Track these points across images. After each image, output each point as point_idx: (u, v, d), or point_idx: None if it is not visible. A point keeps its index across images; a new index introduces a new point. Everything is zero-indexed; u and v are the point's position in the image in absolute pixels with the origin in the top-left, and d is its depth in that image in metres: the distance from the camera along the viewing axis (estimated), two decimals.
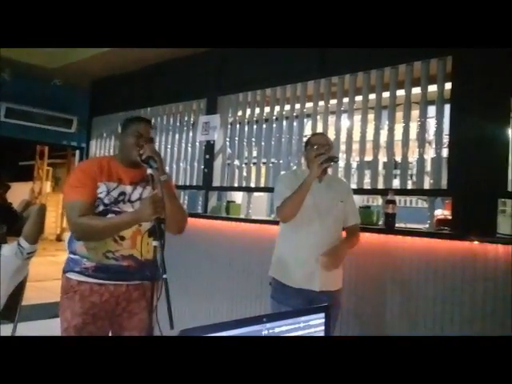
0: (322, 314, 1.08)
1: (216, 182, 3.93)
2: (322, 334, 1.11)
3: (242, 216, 3.66)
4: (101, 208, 1.84)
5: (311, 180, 2.22)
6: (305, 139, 3.69)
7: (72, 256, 1.92)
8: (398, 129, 2.91)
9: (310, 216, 2.29)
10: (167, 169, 4.01)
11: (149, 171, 1.75)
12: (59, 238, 13.29)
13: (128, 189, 1.90)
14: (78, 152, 5.73)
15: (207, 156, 3.96)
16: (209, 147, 3.95)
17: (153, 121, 4.42)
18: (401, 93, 2.93)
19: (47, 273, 7.48)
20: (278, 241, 2.44)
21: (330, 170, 2.55)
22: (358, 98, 3.13)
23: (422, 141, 2.82)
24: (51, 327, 2.09)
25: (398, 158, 2.98)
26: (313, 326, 1.08)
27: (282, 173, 3.35)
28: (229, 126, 3.92)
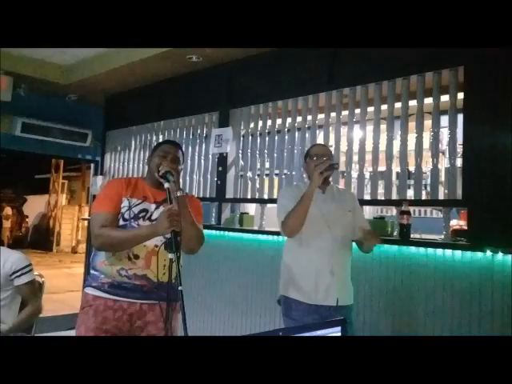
0: (339, 328, 1.07)
1: (229, 194, 3.94)
2: None
3: (256, 227, 3.66)
4: (121, 222, 1.89)
5: (312, 189, 2.14)
6: None
7: (92, 272, 1.96)
8: (411, 139, 2.90)
9: (319, 228, 2.21)
10: (181, 181, 4.04)
11: (166, 185, 1.77)
12: (74, 251, 13.45)
13: (151, 207, 1.94)
14: (92, 165, 5.81)
15: (220, 168, 3.98)
16: (222, 159, 3.97)
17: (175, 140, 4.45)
18: (413, 103, 2.92)
19: (63, 285, 7.56)
20: (287, 257, 2.33)
21: (332, 180, 2.46)
22: (370, 109, 3.13)
23: (435, 151, 2.81)
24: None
25: (412, 169, 2.96)
26: None
27: (284, 187, 3.27)
28: (241, 138, 3.95)
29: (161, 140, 4.47)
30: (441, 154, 3.07)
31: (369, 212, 4.24)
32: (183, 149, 4.32)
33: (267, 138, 3.75)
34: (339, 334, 1.06)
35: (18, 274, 2.45)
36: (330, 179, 2.38)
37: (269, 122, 3.74)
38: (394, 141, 3.00)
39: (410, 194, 3.06)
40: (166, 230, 1.66)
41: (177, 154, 2.00)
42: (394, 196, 3.05)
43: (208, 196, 4.10)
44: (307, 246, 2.23)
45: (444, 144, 3.22)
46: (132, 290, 1.87)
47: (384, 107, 3.05)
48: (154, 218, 1.91)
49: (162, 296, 1.80)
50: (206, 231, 2.03)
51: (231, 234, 3.71)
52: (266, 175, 3.75)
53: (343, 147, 3.28)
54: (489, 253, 2.34)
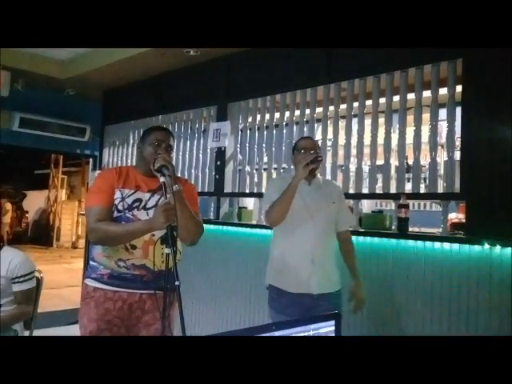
0: (332, 322, 1.07)
1: (227, 188, 3.94)
2: None
3: (254, 222, 3.66)
4: (115, 214, 1.89)
5: (297, 182, 2.19)
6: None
7: (91, 262, 1.97)
8: (410, 132, 2.88)
9: (301, 218, 2.27)
10: (179, 175, 4.03)
11: (161, 179, 1.77)
12: (75, 246, 13.46)
13: (145, 196, 1.93)
14: (91, 160, 5.80)
15: (218, 162, 3.97)
16: (220, 154, 3.97)
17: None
18: (411, 96, 2.91)
19: (62, 280, 7.58)
20: (272, 247, 2.41)
21: (319, 174, 2.53)
22: (368, 102, 3.11)
23: (433, 144, 2.80)
24: (66, 334, 2.12)
25: (410, 162, 2.95)
26: (323, 333, 1.08)
27: (272, 178, 3.39)
28: (239, 133, 3.94)
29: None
30: (439, 148, 3.06)
31: (367, 206, 4.24)
32: (181, 143, 4.35)
33: (265, 132, 3.74)
34: (333, 328, 1.06)
35: (21, 279, 2.43)
36: (318, 173, 2.44)
37: (267, 116, 3.73)
38: (393, 134, 2.99)
39: (409, 187, 3.05)
40: (162, 225, 1.66)
41: (170, 142, 2.00)
42: (393, 189, 3.05)
43: (206, 190, 4.10)
44: (290, 236, 2.29)
45: (443, 137, 3.20)
46: (131, 280, 1.88)
47: (382, 100, 3.03)
48: (148, 206, 1.91)
49: (160, 285, 1.79)
50: (204, 226, 2.03)
51: (229, 228, 3.71)
52: (265, 169, 3.75)
53: (341, 141, 3.27)
54: (487, 246, 2.34)
